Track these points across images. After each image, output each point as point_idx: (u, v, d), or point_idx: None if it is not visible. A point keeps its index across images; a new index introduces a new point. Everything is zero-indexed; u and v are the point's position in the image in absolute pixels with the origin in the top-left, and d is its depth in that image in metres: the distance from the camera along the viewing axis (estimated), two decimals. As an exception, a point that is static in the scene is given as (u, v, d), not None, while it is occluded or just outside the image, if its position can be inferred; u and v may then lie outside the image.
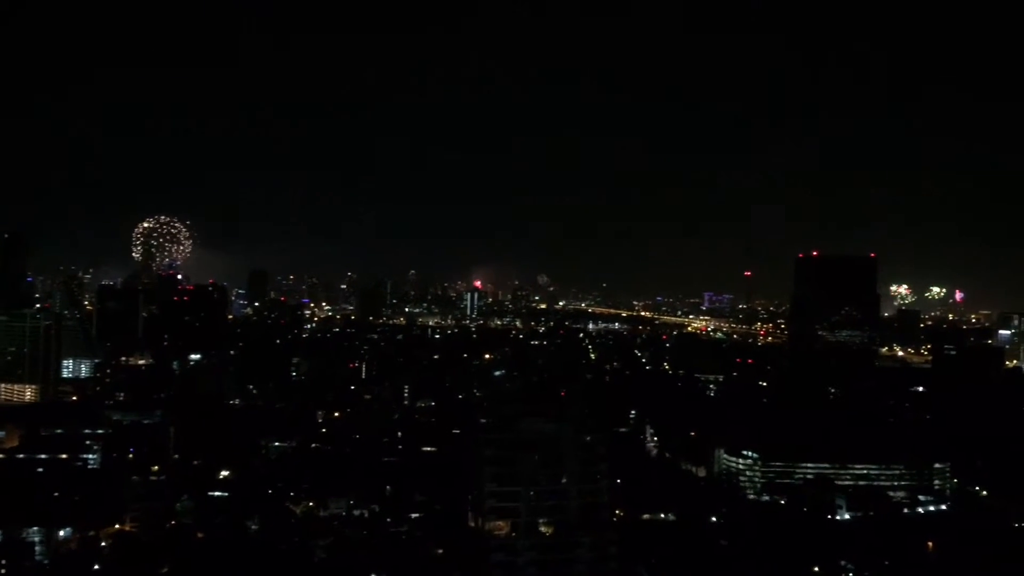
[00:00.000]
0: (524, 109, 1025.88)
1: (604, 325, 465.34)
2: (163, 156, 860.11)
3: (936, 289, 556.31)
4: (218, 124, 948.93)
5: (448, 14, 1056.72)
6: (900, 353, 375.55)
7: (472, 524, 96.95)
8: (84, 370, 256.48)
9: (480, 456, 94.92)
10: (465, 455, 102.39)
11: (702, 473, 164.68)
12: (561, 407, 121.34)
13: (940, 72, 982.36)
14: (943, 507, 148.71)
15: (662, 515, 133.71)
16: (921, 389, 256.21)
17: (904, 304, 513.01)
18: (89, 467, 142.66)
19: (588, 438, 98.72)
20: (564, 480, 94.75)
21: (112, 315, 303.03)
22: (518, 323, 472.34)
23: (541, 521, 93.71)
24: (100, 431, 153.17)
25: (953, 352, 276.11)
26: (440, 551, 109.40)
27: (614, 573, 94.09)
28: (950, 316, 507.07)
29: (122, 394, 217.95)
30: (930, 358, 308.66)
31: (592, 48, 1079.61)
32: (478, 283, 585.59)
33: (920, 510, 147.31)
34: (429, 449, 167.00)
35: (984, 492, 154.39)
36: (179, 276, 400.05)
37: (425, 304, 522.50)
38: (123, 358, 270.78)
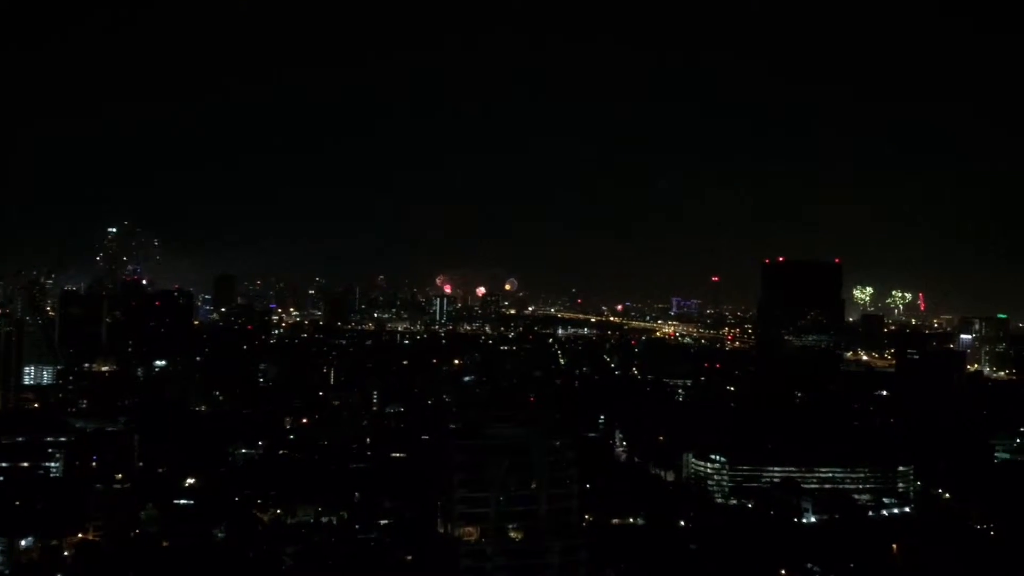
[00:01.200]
0: (496, 111, 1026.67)
1: (573, 330, 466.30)
2: (129, 159, 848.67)
3: (898, 294, 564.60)
4: (183, 125, 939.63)
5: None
6: (864, 357, 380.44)
7: (442, 530, 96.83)
8: (46, 377, 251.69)
9: (449, 462, 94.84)
10: (434, 461, 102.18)
11: (671, 477, 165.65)
12: (530, 413, 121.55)
13: (899, 77, 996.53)
14: (907, 509, 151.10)
15: (631, 519, 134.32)
16: (885, 393, 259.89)
17: (867, 309, 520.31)
18: (51, 475, 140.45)
19: (557, 443, 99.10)
20: (533, 486, 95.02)
21: (75, 321, 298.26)
22: (487, 328, 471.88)
23: (510, 527, 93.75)
24: (62, 439, 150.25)
25: (916, 356, 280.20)
26: (409, 558, 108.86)
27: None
28: (913, 321, 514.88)
29: (85, 401, 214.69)
30: (894, 362, 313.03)
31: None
32: (448, 288, 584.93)
33: (885, 512, 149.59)
34: (398, 455, 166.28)
35: (947, 494, 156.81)
36: (143, 281, 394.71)
37: (394, 309, 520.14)
38: (86, 365, 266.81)
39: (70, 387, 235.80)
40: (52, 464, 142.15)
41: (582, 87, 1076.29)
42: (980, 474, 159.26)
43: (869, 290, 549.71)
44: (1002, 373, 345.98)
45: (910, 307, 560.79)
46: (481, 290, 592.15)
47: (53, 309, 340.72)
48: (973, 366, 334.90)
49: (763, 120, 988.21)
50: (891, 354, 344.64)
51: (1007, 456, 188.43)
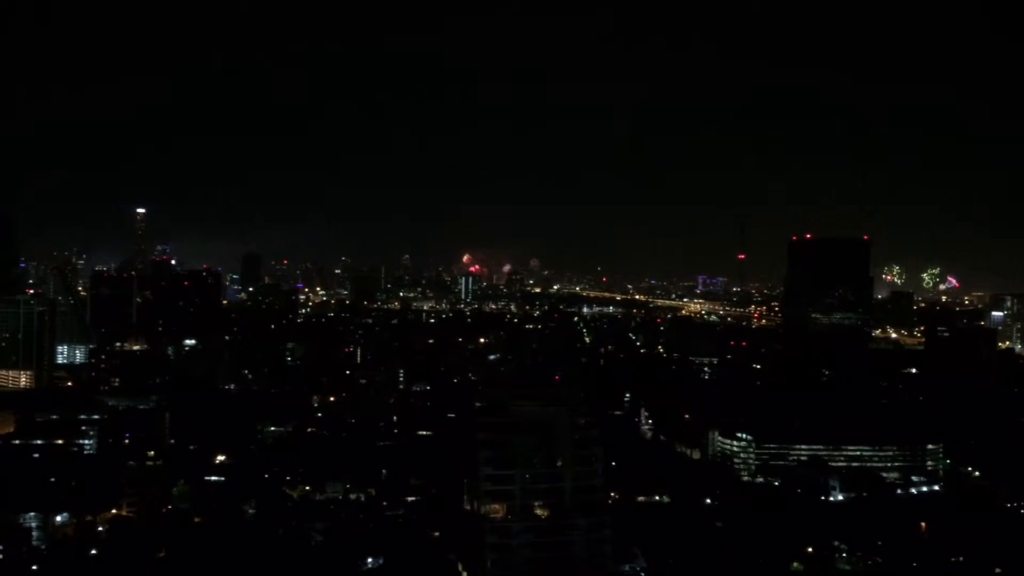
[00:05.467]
0: (518, 96, 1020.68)
1: (599, 309, 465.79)
2: (158, 143, 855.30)
3: (926, 276, 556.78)
4: (211, 110, 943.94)
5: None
6: (893, 335, 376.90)
7: (468, 507, 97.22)
8: (79, 356, 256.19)
9: (475, 440, 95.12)
10: (460, 439, 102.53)
11: (696, 455, 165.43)
12: (555, 390, 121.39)
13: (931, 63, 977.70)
14: (936, 488, 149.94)
15: (657, 497, 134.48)
16: (914, 371, 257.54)
17: (899, 285, 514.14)
18: (85, 452, 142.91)
19: (582, 421, 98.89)
20: (559, 463, 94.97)
21: (106, 301, 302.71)
22: (513, 307, 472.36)
23: (536, 504, 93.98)
24: (95, 416, 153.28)
25: (946, 334, 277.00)
26: (436, 534, 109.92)
27: (609, 555, 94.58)
28: (944, 298, 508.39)
29: (117, 380, 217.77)
30: (923, 340, 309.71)
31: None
32: (473, 268, 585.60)
33: (913, 491, 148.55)
34: (424, 433, 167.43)
35: (976, 472, 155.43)
36: (173, 261, 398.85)
37: (420, 289, 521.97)
38: (117, 344, 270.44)
39: (102, 366, 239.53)
40: (86, 441, 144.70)
41: (615, 67, 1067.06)
42: (1010, 452, 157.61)
43: (896, 268, 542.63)
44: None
45: (940, 286, 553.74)
46: (507, 267, 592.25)
47: (84, 289, 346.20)
48: (1005, 343, 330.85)
49: (795, 101, 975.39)
50: (920, 332, 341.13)
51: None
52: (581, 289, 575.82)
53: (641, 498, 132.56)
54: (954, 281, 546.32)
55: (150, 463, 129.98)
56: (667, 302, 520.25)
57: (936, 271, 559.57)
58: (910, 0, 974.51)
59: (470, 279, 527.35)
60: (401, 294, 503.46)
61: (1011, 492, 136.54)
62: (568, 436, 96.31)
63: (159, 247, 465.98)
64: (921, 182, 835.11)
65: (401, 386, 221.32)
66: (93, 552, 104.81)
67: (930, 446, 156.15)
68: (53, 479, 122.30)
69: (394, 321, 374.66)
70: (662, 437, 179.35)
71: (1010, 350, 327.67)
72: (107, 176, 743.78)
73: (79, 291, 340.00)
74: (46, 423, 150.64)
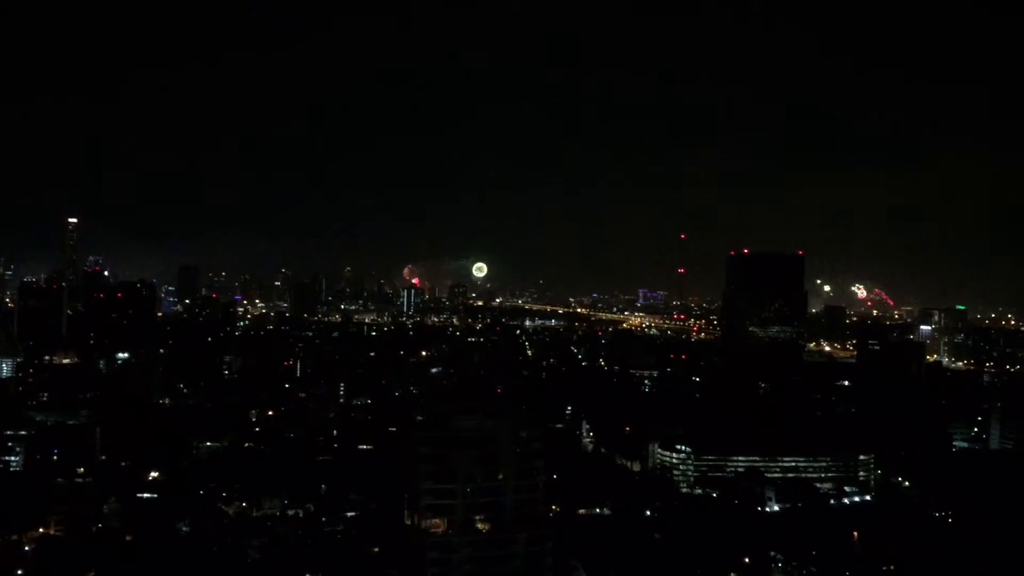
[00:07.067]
0: (463, 98, 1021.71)
1: (541, 322, 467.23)
2: (91, 147, 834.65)
3: (858, 291, 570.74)
4: (145, 115, 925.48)
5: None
6: (827, 348, 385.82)
7: (408, 522, 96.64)
8: (5, 370, 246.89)
9: (416, 454, 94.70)
10: (401, 453, 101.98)
11: (637, 467, 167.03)
12: (497, 404, 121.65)
13: (864, 58, 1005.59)
14: (867, 497, 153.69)
15: (597, 510, 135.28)
16: (847, 383, 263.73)
17: (830, 299, 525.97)
18: (11, 469, 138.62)
19: (524, 434, 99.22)
20: (500, 477, 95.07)
21: (34, 313, 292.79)
22: (455, 320, 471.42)
23: (477, 518, 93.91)
24: (23, 432, 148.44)
25: (877, 347, 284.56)
26: (376, 550, 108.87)
27: (550, 569, 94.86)
28: (874, 312, 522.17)
29: (46, 394, 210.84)
30: (855, 353, 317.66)
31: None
32: (415, 280, 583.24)
33: (846, 500, 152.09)
34: (365, 447, 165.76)
35: (906, 483, 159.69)
36: (105, 273, 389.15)
37: (361, 301, 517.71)
38: (46, 357, 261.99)
39: (30, 380, 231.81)
40: (12, 458, 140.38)
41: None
42: (938, 463, 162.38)
43: (827, 288, 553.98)
44: (960, 363, 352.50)
45: (872, 299, 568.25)
46: (449, 281, 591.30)
47: (12, 301, 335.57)
48: (932, 357, 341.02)
49: (723, 116, 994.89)
50: (853, 345, 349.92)
51: (965, 445, 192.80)
52: (523, 302, 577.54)
53: (582, 511, 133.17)
54: (887, 297, 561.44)
55: (79, 480, 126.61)
56: (608, 315, 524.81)
57: (862, 287, 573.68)
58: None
59: (412, 292, 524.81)
60: (342, 306, 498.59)
61: (939, 502, 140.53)
62: (510, 449, 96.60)
63: (91, 258, 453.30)
64: (853, 195, 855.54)
65: (342, 400, 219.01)
66: (19, 573, 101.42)
67: (862, 457, 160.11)
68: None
69: (335, 334, 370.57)
70: (603, 450, 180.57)
71: (938, 363, 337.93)
72: (36, 183, 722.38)
73: (6, 303, 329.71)
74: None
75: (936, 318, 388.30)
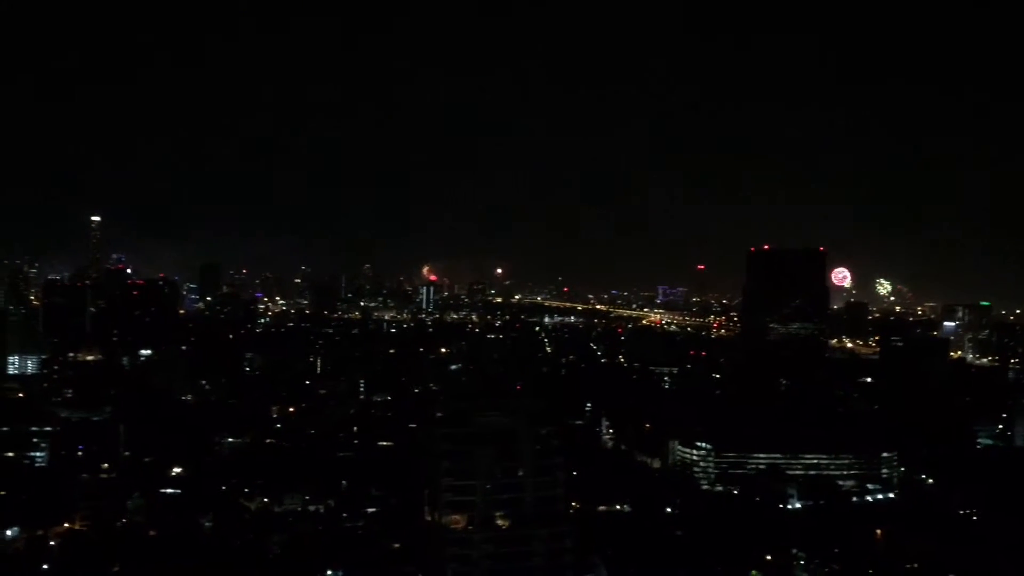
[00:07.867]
0: (481, 106, 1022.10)
1: (560, 319, 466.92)
2: (112, 146, 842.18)
3: (882, 289, 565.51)
4: (170, 115, 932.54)
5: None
6: (849, 345, 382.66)
7: (428, 518, 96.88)
8: (30, 367, 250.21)
9: (436, 450, 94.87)
10: (421, 449, 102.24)
11: (657, 464, 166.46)
12: (517, 400, 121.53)
13: (888, 63, 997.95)
14: (891, 495, 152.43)
15: (617, 507, 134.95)
16: (869, 380, 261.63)
17: (852, 297, 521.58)
18: (37, 465, 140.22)
19: (543, 431, 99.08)
20: (520, 473, 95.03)
21: (59, 310, 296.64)
22: (474, 317, 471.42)
23: (497, 514, 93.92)
24: (48, 428, 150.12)
25: (900, 343, 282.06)
26: (396, 546, 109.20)
27: (570, 565, 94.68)
28: (897, 308, 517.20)
29: (70, 391, 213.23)
30: (878, 349, 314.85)
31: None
32: (434, 277, 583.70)
33: (868, 498, 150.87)
34: (385, 444, 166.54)
35: (929, 480, 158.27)
36: (128, 270, 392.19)
37: (380, 298, 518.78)
38: (71, 354, 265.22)
39: (55, 376, 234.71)
40: (37, 454, 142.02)
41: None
42: (962, 460, 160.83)
43: (849, 282, 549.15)
44: (984, 360, 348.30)
45: (895, 294, 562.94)
46: (468, 278, 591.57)
47: (37, 298, 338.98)
48: (956, 353, 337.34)
49: (751, 111, 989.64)
50: (875, 341, 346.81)
51: (989, 442, 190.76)
52: (542, 299, 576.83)
53: (602, 508, 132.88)
54: (909, 294, 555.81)
55: (104, 476, 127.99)
56: (628, 312, 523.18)
57: (886, 283, 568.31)
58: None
59: (431, 289, 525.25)
60: (362, 304, 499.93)
61: (963, 499, 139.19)
62: (529, 446, 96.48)
63: (114, 256, 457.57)
64: (875, 191, 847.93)
65: (362, 396, 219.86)
66: (44, 567, 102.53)
67: (885, 454, 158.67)
68: (3, 492, 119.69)
69: (354, 331, 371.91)
70: (623, 446, 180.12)
71: (962, 359, 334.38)
72: (60, 183, 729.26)
73: (31, 300, 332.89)
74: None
75: (960, 314, 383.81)
